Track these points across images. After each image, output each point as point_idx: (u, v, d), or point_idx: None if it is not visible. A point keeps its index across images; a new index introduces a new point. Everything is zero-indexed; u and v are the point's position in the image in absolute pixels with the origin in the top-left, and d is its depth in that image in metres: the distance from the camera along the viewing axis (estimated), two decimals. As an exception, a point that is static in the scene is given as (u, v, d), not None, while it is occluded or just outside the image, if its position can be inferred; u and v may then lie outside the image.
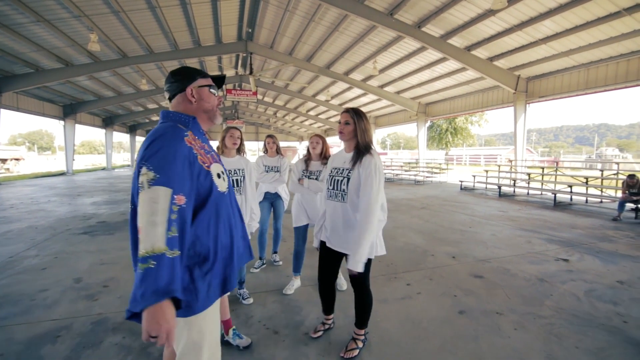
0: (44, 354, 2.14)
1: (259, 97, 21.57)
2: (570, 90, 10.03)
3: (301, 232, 3.08)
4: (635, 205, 6.33)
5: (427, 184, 13.97)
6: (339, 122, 2.08)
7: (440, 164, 17.44)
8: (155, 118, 27.15)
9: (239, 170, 2.70)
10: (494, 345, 2.22)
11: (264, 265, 3.73)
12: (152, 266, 0.94)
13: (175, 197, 1.04)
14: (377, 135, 24.85)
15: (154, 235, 0.96)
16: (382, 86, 15.47)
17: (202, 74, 1.32)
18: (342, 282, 3.18)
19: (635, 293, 3.01)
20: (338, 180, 2.04)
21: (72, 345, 2.24)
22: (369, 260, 2.03)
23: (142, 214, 0.99)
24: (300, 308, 2.77)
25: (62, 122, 17.47)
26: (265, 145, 3.74)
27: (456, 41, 9.77)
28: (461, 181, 12.26)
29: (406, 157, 29.02)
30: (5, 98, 12.64)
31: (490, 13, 8.04)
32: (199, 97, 1.29)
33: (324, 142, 3.08)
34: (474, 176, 11.90)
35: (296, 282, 3.17)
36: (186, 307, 1.10)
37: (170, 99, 1.30)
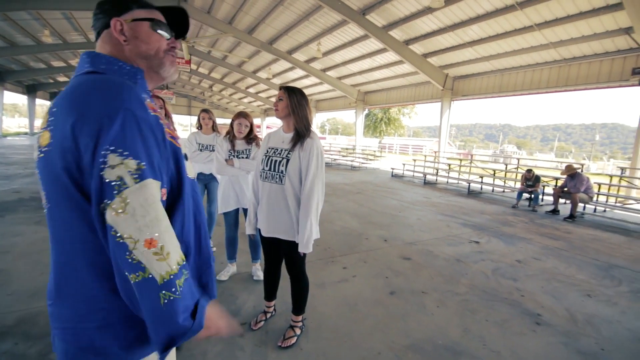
0: None
1: (193, 66, 19.71)
2: (486, 92, 11.30)
3: (232, 217, 2.91)
4: (530, 195, 7.53)
5: (362, 169, 14.61)
6: (275, 100, 1.98)
7: (374, 151, 18.37)
8: (62, 79, 23.00)
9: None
10: (420, 322, 2.41)
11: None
12: (187, 277, 0.73)
13: (160, 190, 0.75)
14: (317, 120, 24.99)
15: (175, 241, 0.73)
16: (324, 70, 15.42)
17: (142, 3, 0.88)
18: (260, 274, 2.99)
19: (529, 270, 3.58)
20: (276, 160, 1.94)
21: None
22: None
23: (146, 223, 0.68)
24: (236, 297, 2.64)
25: None
26: (199, 120, 3.40)
27: (396, 34, 10.13)
28: (392, 168, 13.11)
29: (344, 143, 29.89)
30: None
31: (428, 10, 8.47)
32: (132, 34, 0.84)
33: (252, 123, 2.89)
34: (404, 164, 12.82)
35: (232, 269, 3.01)
36: None
37: (97, 39, 0.88)
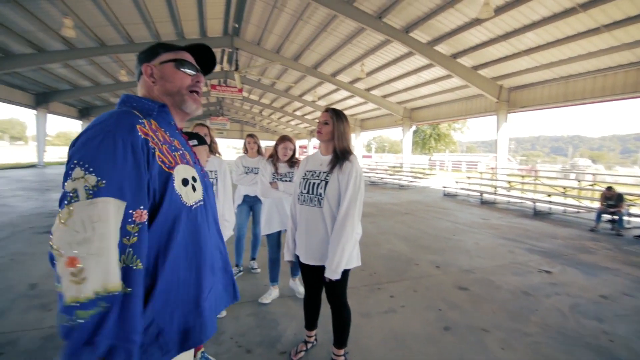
0: (-23, 378, 1.85)
1: (245, 94, 21.12)
2: (549, 102, 10.27)
3: (275, 239, 2.90)
4: (611, 217, 6.49)
5: (410, 188, 14.03)
6: (318, 122, 1.93)
7: (423, 168, 17.59)
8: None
9: (212, 172, 2.48)
10: (481, 366, 2.10)
11: (241, 273, 3.51)
12: (104, 309, 0.68)
13: (132, 212, 0.75)
14: (363, 138, 24.86)
15: (105, 269, 0.69)
16: (368, 89, 15.45)
17: (169, 47, 1.00)
18: (301, 289, 3.02)
19: (619, 309, 2.99)
20: (314, 183, 1.89)
21: (14, 366, 1.95)
22: (346, 273, 1.89)
23: (77, 240, 0.67)
24: (277, 322, 2.57)
25: (34, 112, 16.46)
26: (245, 144, 3.52)
27: (442, 48, 9.82)
28: (444, 187, 12.37)
29: (391, 161, 29.27)
30: (-32, 83, 11.77)
31: (476, 22, 8.10)
32: (160, 75, 0.96)
33: (295, 146, 2.94)
34: (457, 182, 12.04)
35: (274, 292, 2.97)
36: None
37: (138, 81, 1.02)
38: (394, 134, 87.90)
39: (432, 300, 3.06)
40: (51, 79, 14.66)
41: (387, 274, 3.73)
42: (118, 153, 0.75)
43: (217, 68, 17.14)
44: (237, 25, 12.13)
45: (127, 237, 0.74)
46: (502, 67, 10.11)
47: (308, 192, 1.90)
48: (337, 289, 1.96)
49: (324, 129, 1.91)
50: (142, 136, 0.82)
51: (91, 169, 0.72)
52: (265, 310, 2.74)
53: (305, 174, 1.96)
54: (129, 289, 0.73)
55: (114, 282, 0.70)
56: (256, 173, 3.41)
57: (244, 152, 3.57)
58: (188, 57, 1.02)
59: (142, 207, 0.77)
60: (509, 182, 11.22)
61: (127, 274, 0.73)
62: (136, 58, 1.01)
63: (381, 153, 58.54)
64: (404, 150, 17.59)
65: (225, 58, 15.81)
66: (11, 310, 2.61)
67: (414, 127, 18.29)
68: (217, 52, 15.24)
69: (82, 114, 21.37)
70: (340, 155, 1.88)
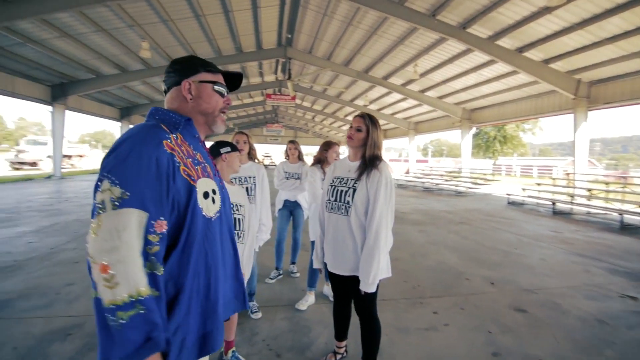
0: (51, 352, 2.15)
1: (298, 101, 21.81)
2: (643, 96, 8.72)
3: None
4: None
5: (469, 195, 13.01)
6: (350, 126, 1.87)
7: (485, 174, 16.15)
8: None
9: (250, 177, 2.57)
10: (535, 403, 1.82)
11: (281, 276, 3.58)
12: (143, 312, 0.73)
13: (153, 223, 0.80)
14: (418, 142, 23.84)
15: (134, 274, 0.74)
16: (423, 91, 14.80)
17: (209, 66, 1.04)
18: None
19: None
20: (342, 190, 1.84)
21: (79, 346, 2.23)
22: (377, 285, 1.80)
23: (106, 249, 0.73)
24: (310, 328, 2.55)
25: (119, 124, 19.06)
26: (287, 150, 3.60)
27: (506, 42, 8.97)
28: (508, 194, 11.21)
29: (450, 166, 27.58)
30: (71, 101, 14.05)
31: (545, 11, 7.24)
32: (197, 94, 1.01)
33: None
34: (524, 189, 10.82)
35: (310, 298, 2.96)
36: None
37: (166, 92, 1.04)
38: (452, 137, 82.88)
39: (481, 320, 2.77)
40: (132, 95, 16.84)
41: (432, 287, 3.48)
42: (142, 167, 0.80)
43: (272, 77, 18.00)
44: (289, 36, 12.61)
45: (150, 247, 0.80)
46: (579, 59, 8.87)
47: (336, 200, 1.86)
48: (367, 302, 1.89)
49: (357, 135, 1.85)
50: (169, 151, 0.87)
51: (117, 182, 0.77)
52: (299, 316, 2.75)
53: (333, 181, 1.93)
54: (157, 292, 0.80)
55: (143, 286, 0.75)
56: (297, 178, 3.47)
57: (285, 158, 3.66)
58: (221, 78, 1.08)
59: (162, 217, 0.82)
60: (589, 189, 9.73)
61: (153, 279, 0.80)
62: (169, 67, 1.03)
63: (438, 157, 55.52)
64: (462, 153, 16.44)
65: (279, 68, 16.50)
66: (83, 296, 3.00)
67: (474, 129, 17.04)
68: (271, 62, 16.02)
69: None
70: (369, 162, 1.81)
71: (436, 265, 4.20)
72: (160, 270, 0.81)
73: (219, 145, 1.90)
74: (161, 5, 8.83)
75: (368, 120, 1.84)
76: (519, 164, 33.45)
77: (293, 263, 3.74)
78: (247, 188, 2.54)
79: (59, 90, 13.28)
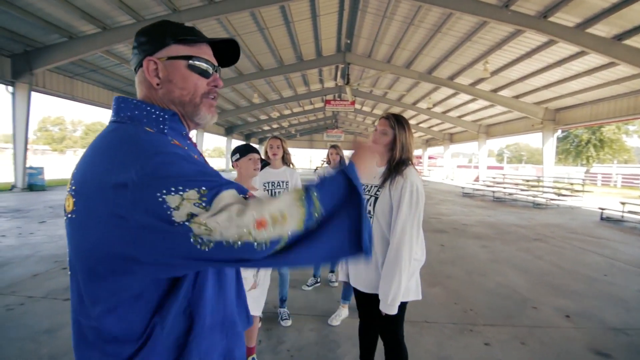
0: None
1: (357, 106, 21.68)
2: None
3: None
4: None
5: (551, 208, 11.28)
6: (375, 129, 1.71)
7: (572, 183, 13.85)
8: (266, 127, 30.38)
9: (282, 182, 2.55)
10: None
11: (318, 284, 3.49)
12: (317, 196, 0.66)
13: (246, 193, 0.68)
14: (491, 146, 21.38)
15: (278, 206, 0.62)
16: (495, 90, 13.43)
17: (182, 35, 0.74)
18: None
19: None
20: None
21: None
22: (402, 306, 1.60)
23: (257, 207, 0.60)
24: (338, 344, 2.41)
25: (194, 131, 21.27)
26: (328, 155, 3.53)
27: (600, 29, 7.60)
28: (602, 208, 9.40)
29: (529, 174, 24.47)
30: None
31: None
32: (166, 76, 0.73)
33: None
34: (624, 203, 8.95)
35: (343, 312, 2.82)
36: None
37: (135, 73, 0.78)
38: (534, 141, 73.54)
39: (546, 361, 2.30)
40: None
41: (487, 313, 3.03)
42: (185, 156, 0.65)
43: (332, 84, 18.19)
44: (348, 41, 12.62)
45: None
46: None
47: None
48: (391, 324, 1.69)
49: (382, 139, 1.68)
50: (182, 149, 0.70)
51: (180, 187, 0.58)
52: (329, 329, 2.63)
53: None
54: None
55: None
56: (337, 184, 3.37)
57: (327, 163, 3.59)
58: (205, 51, 0.78)
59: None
60: None
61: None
62: (135, 42, 0.76)
63: (516, 164, 49.75)
64: (544, 160, 14.45)
65: (339, 73, 16.61)
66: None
67: (559, 132, 14.85)
68: (331, 68, 16.22)
69: (227, 131, 26.26)
70: (394, 167, 1.62)
71: (496, 288, 3.67)
72: None
73: (233, 151, 1.90)
74: (229, 22, 9.60)
75: (394, 122, 1.66)
76: (620, 173, 27.92)
77: (332, 272, 3.63)
78: (279, 192, 2.53)
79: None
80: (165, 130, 0.72)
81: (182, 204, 0.57)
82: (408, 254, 1.53)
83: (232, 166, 1.86)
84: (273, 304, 2.89)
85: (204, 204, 0.58)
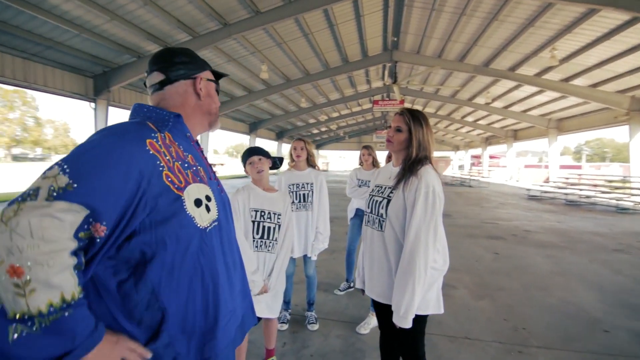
0: None
1: (407, 105, 20.87)
2: None
3: None
4: None
5: (639, 213, 9.57)
6: (389, 127, 1.59)
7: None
8: (315, 131, 30.86)
9: (307, 184, 2.52)
10: None
11: (351, 289, 3.39)
12: (68, 314, 0.62)
13: (92, 222, 0.65)
14: (566, 142, 18.78)
15: (61, 279, 0.61)
16: (567, 79, 11.85)
17: (209, 66, 1.02)
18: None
19: None
20: (376, 201, 1.57)
21: None
22: (421, 320, 1.45)
23: (23, 247, 0.58)
24: (363, 354, 2.30)
25: (248, 136, 22.45)
26: (360, 156, 3.42)
27: None
28: None
29: (616, 173, 21.12)
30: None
31: None
32: (207, 92, 0.97)
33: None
34: None
35: (373, 320, 2.68)
36: None
37: (161, 84, 0.90)
38: (620, 135, 63.21)
39: (615, 397, 1.91)
40: (257, 112, 19.55)
41: (543, 334, 2.64)
42: (108, 161, 0.68)
43: (379, 83, 17.80)
44: (395, 39, 12.20)
45: (80, 244, 0.65)
46: None
47: (372, 212, 1.61)
48: (408, 339, 1.55)
49: (397, 137, 1.57)
50: (152, 152, 0.76)
51: (68, 170, 0.64)
52: (356, 336, 2.52)
53: (373, 190, 1.68)
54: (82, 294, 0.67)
55: (70, 291, 0.63)
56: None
57: (359, 165, 3.48)
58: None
59: (105, 223, 0.67)
60: None
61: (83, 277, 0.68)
62: (171, 58, 0.92)
63: (599, 162, 43.36)
64: (631, 157, 12.34)
65: (386, 73, 16.18)
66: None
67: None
68: (378, 68, 15.88)
69: (278, 136, 27.26)
70: (408, 166, 1.49)
71: (558, 305, 3.19)
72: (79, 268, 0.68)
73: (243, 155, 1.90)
74: (275, 30, 9.95)
75: (409, 118, 1.53)
76: None
77: (347, 280, 3.49)
78: (304, 195, 2.50)
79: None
80: (168, 127, 0.86)
81: (52, 177, 0.64)
82: (423, 261, 1.38)
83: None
84: (302, 307, 2.88)
85: (54, 194, 0.63)
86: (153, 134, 0.80)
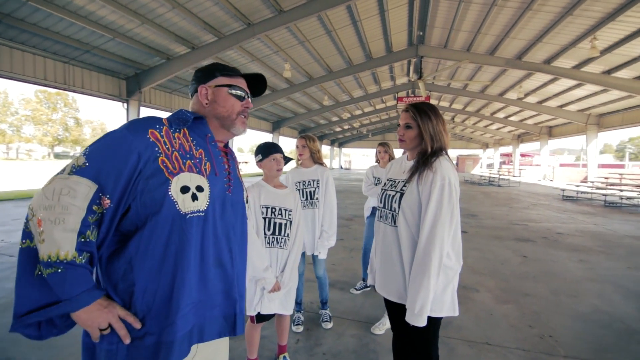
0: None
1: (434, 101, 20.30)
2: None
3: None
4: None
5: (694, 217, 8.71)
6: (398, 125, 1.55)
7: None
8: (338, 129, 30.76)
9: (313, 181, 2.50)
10: None
11: (367, 289, 3.36)
12: (61, 271, 0.76)
13: (101, 196, 0.83)
14: (607, 140, 17.35)
15: (59, 236, 0.77)
16: (609, 71, 11.04)
17: (225, 71, 1.08)
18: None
19: None
20: (389, 195, 1.53)
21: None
22: (435, 321, 1.41)
23: (44, 205, 0.78)
24: (377, 355, 2.27)
25: (271, 135, 22.77)
26: (376, 154, 3.37)
27: None
28: None
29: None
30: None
31: None
32: (213, 98, 1.05)
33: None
34: None
35: (388, 321, 2.64)
36: None
37: (191, 95, 1.12)
38: (676, 132, 57.73)
39: (650, 416, 1.76)
40: (280, 110, 19.77)
41: (572, 343, 2.48)
42: (111, 145, 0.86)
43: (404, 80, 17.41)
44: (421, 33, 11.86)
45: (92, 216, 0.81)
46: None
47: (384, 207, 1.58)
48: (421, 341, 1.51)
49: (407, 134, 1.52)
50: (151, 139, 0.90)
51: (86, 153, 0.85)
52: (371, 337, 2.49)
53: (385, 184, 1.64)
54: (83, 260, 0.80)
55: (65, 250, 0.77)
56: (387, 185, 3.19)
57: (376, 162, 3.43)
58: (241, 82, 1.11)
59: (108, 196, 0.83)
60: None
61: (87, 246, 0.81)
62: (193, 77, 1.11)
63: (645, 161, 39.97)
64: (684, 156, 11.26)
65: (412, 68, 15.80)
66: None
67: None
68: (403, 64, 15.51)
69: (300, 134, 27.45)
70: (422, 159, 1.44)
71: (590, 313, 2.98)
72: (89, 237, 0.82)
73: (256, 152, 1.92)
74: (298, 28, 9.98)
75: (415, 113, 1.48)
76: None
77: (364, 279, 3.44)
78: (310, 192, 2.49)
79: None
80: (186, 124, 0.99)
81: (76, 158, 0.87)
82: (438, 257, 1.34)
83: (257, 166, 1.90)
84: (317, 304, 2.89)
85: (73, 170, 0.83)
86: (158, 126, 0.94)
